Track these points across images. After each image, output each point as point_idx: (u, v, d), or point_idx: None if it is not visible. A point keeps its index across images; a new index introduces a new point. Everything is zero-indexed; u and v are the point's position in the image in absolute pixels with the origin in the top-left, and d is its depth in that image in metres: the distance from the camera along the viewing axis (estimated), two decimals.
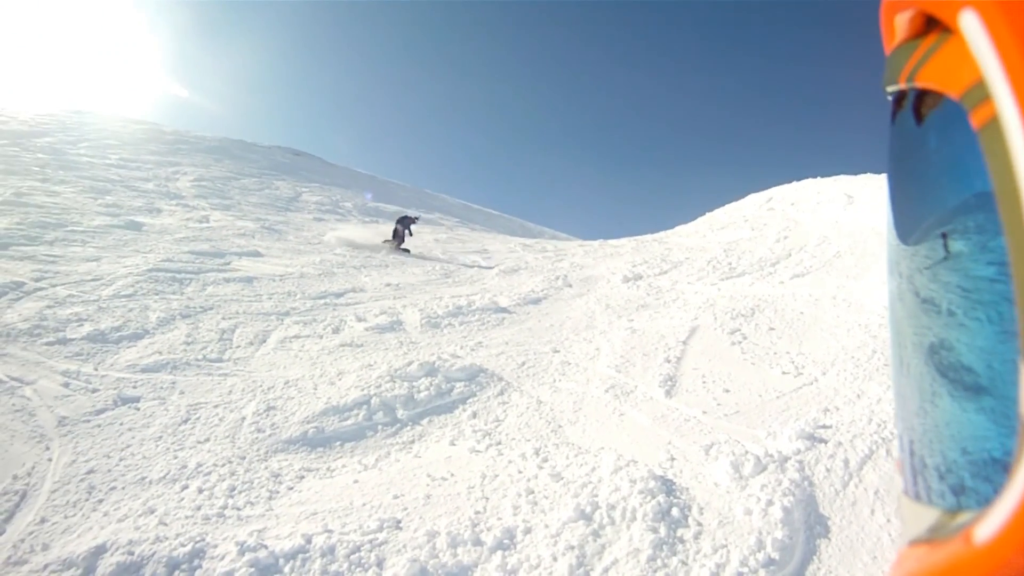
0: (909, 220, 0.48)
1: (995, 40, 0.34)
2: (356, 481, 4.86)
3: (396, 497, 4.60)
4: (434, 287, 11.66)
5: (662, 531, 4.08)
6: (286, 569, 3.74)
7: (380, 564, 3.84)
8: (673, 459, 5.13)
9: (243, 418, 5.66)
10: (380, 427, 5.76)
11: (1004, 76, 0.33)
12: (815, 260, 12.97)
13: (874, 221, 15.05)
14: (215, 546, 3.88)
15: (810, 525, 4.25)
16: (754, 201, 23.06)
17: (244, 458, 5.05)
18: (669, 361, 7.42)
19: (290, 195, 23.50)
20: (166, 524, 4.10)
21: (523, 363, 7.52)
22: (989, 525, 0.35)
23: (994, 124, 0.34)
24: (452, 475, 4.95)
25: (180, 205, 16.75)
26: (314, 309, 9.32)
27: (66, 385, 5.91)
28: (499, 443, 5.50)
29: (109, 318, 7.64)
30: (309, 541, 3.95)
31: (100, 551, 3.73)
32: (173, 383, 6.26)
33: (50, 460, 4.76)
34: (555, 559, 3.87)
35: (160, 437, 5.25)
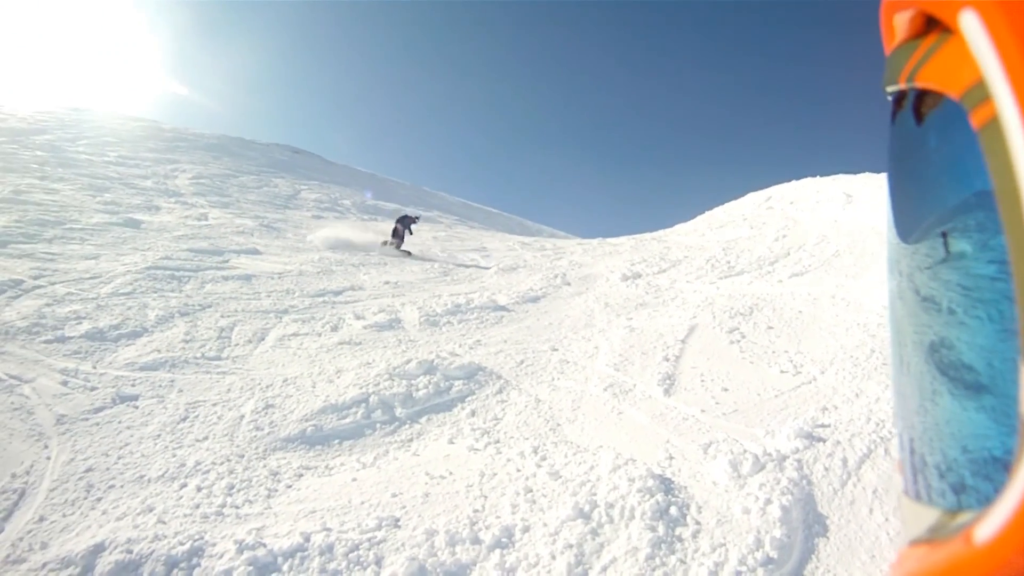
0: (909, 219, 0.48)
1: (995, 40, 0.34)
2: (355, 479, 4.86)
3: (394, 495, 4.60)
4: (433, 285, 11.66)
5: (660, 530, 4.08)
6: (285, 567, 3.74)
7: (379, 562, 3.84)
8: (671, 458, 5.13)
9: (242, 416, 5.66)
10: (379, 425, 5.76)
11: (1004, 76, 0.33)
12: (814, 259, 12.97)
13: (873, 220, 15.05)
14: (214, 544, 3.88)
15: (808, 524, 4.25)
16: (753, 200, 23.05)
17: (243, 456, 5.05)
18: (668, 360, 7.42)
19: (289, 193, 23.48)
20: (165, 522, 4.09)
21: (522, 361, 7.52)
22: (989, 525, 0.35)
23: (994, 124, 0.34)
24: (451, 473, 4.95)
25: (179, 203, 16.74)
26: (313, 307, 9.32)
27: (64, 383, 5.91)
28: (498, 441, 5.51)
29: (108, 316, 7.64)
30: (308, 539, 3.95)
31: (99, 549, 3.73)
32: (172, 381, 6.26)
33: (48, 458, 4.76)
34: (553, 557, 3.87)
35: (159, 435, 5.25)
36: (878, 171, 19.84)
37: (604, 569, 3.78)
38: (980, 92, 0.35)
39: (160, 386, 6.12)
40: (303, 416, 5.71)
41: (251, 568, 3.68)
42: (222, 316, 8.31)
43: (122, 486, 4.52)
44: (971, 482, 0.41)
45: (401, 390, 6.26)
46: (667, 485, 4.59)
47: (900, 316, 0.50)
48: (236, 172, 24.76)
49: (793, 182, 23.28)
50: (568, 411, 6.16)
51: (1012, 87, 0.33)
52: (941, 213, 0.43)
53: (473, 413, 6.12)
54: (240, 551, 3.80)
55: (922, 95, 0.44)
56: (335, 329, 8.42)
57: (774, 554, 3.89)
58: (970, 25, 0.36)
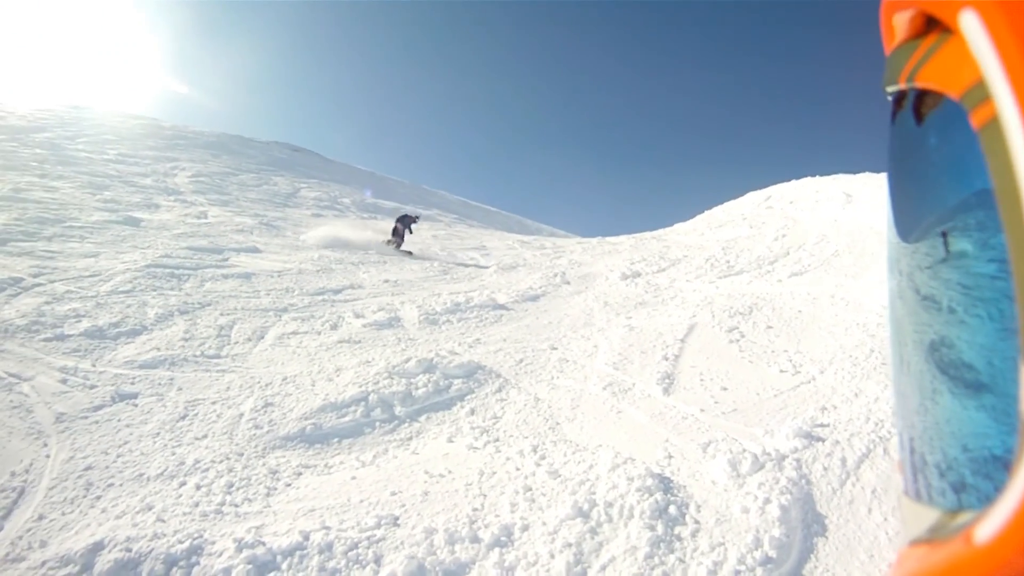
0: (910, 219, 0.48)
1: (995, 40, 0.34)
2: (354, 478, 4.87)
3: (394, 494, 4.60)
4: (432, 284, 11.66)
5: (659, 529, 4.08)
6: (284, 566, 3.74)
7: (378, 561, 3.84)
8: (671, 457, 5.13)
9: (241, 414, 5.66)
10: (378, 424, 5.76)
11: (1004, 76, 0.33)
12: (813, 259, 12.97)
13: (873, 220, 15.04)
14: (213, 543, 3.88)
15: (807, 523, 4.25)
16: (753, 199, 23.04)
17: (242, 455, 5.05)
18: (667, 359, 7.42)
19: (288, 191, 23.46)
20: (164, 521, 4.10)
21: (521, 360, 7.52)
22: (989, 525, 0.35)
23: (994, 124, 0.34)
24: (450, 472, 4.95)
25: (178, 201, 16.73)
26: (312, 305, 9.32)
27: (64, 381, 5.91)
28: (497, 440, 5.51)
29: (107, 314, 7.64)
30: (307, 538, 3.95)
31: (98, 548, 3.73)
32: (171, 379, 6.26)
33: (48, 456, 4.76)
34: (552, 556, 3.87)
35: (158, 433, 5.25)
36: (878, 171, 19.85)
37: (603, 568, 3.79)
38: (980, 92, 0.35)
39: (159, 384, 6.13)
40: (302, 414, 5.71)
41: (250, 566, 3.68)
42: (221, 314, 8.31)
43: (121, 484, 4.52)
44: (971, 481, 0.41)
45: (400, 388, 6.26)
46: (666, 484, 4.59)
47: (900, 315, 0.50)
48: (236, 170, 24.75)
49: (793, 182, 23.27)
50: (567, 410, 6.16)
51: (1012, 87, 0.33)
52: (941, 213, 0.43)
53: (472, 412, 6.12)
54: (239, 549, 3.80)
55: (922, 95, 0.44)
56: (334, 327, 8.42)
57: (773, 553, 3.89)
58: (970, 25, 0.36)
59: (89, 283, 8.67)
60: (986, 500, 0.38)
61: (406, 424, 5.82)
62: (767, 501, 4.33)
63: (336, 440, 5.46)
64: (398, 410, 6.00)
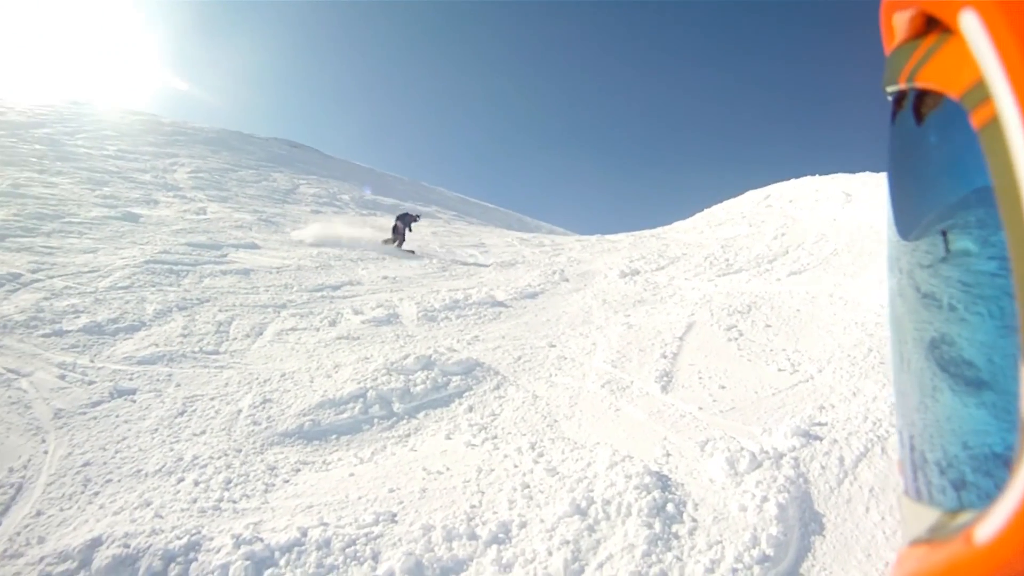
0: (910, 219, 0.48)
1: (995, 40, 0.34)
2: (352, 474, 4.87)
3: (392, 491, 4.61)
4: (431, 280, 11.66)
5: (657, 527, 4.09)
6: (282, 562, 3.75)
7: (375, 557, 3.85)
8: (668, 455, 5.14)
9: (239, 411, 5.66)
10: (376, 420, 5.77)
11: (1004, 76, 0.33)
12: (812, 258, 12.97)
13: (872, 219, 15.04)
14: (211, 539, 3.89)
15: (805, 522, 4.26)
16: (752, 198, 23.04)
17: (240, 451, 5.05)
18: (665, 357, 7.43)
19: (288, 187, 23.43)
20: (162, 517, 4.10)
21: (519, 357, 7.52)
22: (990, 525, 0.35)
23: (994, 124, 0.34)
24: (448, 469, 4.96)
25: (177, 197, 16.71)
26: (311, 302, 9.32)
27: (62, 377, 5.91)
28: (495, 437, 5.51)
29: (106, 310, 7.64)
30: (305, 534, 3.95)
31: (96, 544, 3.73)
32: (169, 375, 6.26)
33: (46, 453, 4.76)
34: (550, 553, 3.88)
35: (156, 429, 5.25)
36: (877, 170, 19.85)
37: (600, 566, 3.79)
38: (980, 92, 0.35)
39: (158, 380, 6.13)
40: (301, 411, 5.71)
41: (248, 563, 3.69)
42: (220, 310, 8.31)
43: (119, 480, 4.52)
44: (971, 479, 0.41)
45: (399, 385, 6.27)
46: (664, 482, 4.60)
47: (900, 313, 0.50)
48: (235, 166, 24.71)
49: (792, 180, 23.26)
50: (565, 407, 6.17)
51: (1012, 87, 0.33)
52: (941, 212, 0.43)
53: (471, 409, 6.13)
54: (237, 545, 3.80)
55: (922, 95, 0.44)
56: (333, 324, 8.42)
57: (770, 552, 3.90)
58: (970, 25, 0.36)
59: (88, 279, 8.67)
60: (986, 498, 0.38)
61: (404, 421, 5.83)
62: (765, 499, 4.34)
63: (334, 437, 5.46)
64: (396, 407, 6.00)
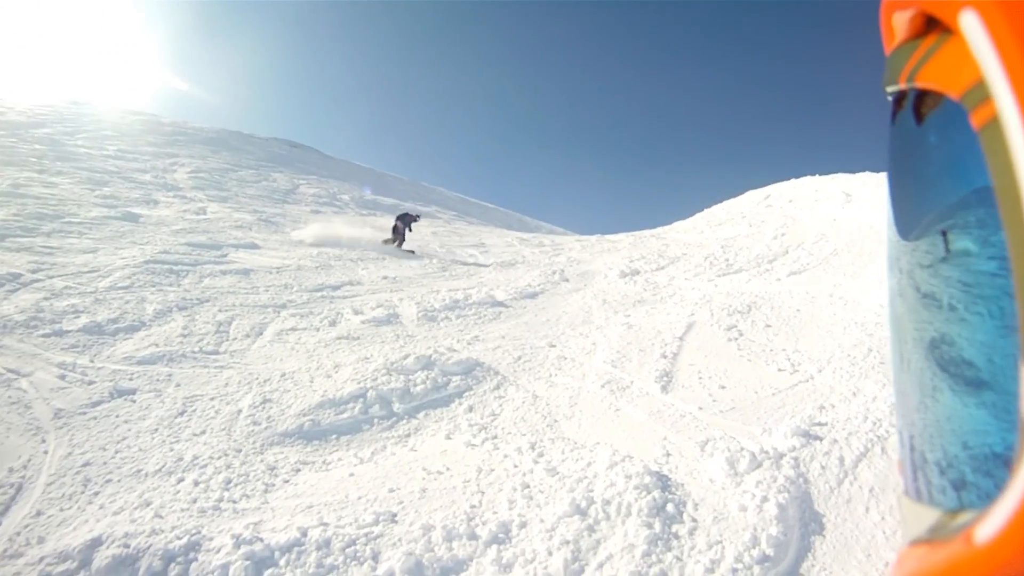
0: (910, 219, 0.48)
1: (995, 40, 0.34)
2: (352, 474, 4.87)
3: (392, 491, 4.61)
4: (431, 280, 11.66)
5: (657, 527, 4.09)
6: (281, 562, 3.75)
7: (375, 557, 3.85)
8: (668, 455, 5.14)
9: (239, 411, 5.66)
10: (376, 420, 5.77)
11: (1004, 76, 0.33)
12: (812, 257, 12.97)
13: (872, 219, 15.04)
14: (211, 539, 3.88)
15: (805, 522, 4.26)
16: (752, 198, 23.04)
17: (240, 451, 5.05)
18: (665, 357, 7.43)
19: (287, 187, 23.43)
20: (162, 517, 4.10)
21: (519, 357, 7.52)
22: (990, 525, 0.35)
23: (994, 124, 0.34)
24: (448, 469, 4.96)
25: (177, 197, 16.71)
26: (311, 302, 9.32)
27: (62, 377, 5.91)
28: (495, 437, 5.51)
29: (106, 310, 7.64)
30: (305, 534, 3.95)
31: (96, 544, 3.73)
32: (169, 375, 6.26)
33: (46, 453, 4.76)
34: (550, 553, 3.88)
35: (156, 429, 5.25)
36: (877, 170, 19.86)
37: (600, 566, 3.79)
38: (980, 92, 0.35)
39: (158, 380, 6.13)
40: (301, 411, 5.71)
41: (248, 563, 3.69)
42: (220, 310, 8.31)
43: (119, 480, 4.52)
44: (971, 478, 0.41)
45: (399, 385, 6.27)
46: (664, 482, 4.60)
47: (900, 313, 0.50)
48: (235, 166, 24.71)
49: (792, 180, 23.26)
50: (565, 407, 6.17)
51: (1012, 87, 0.33)
52: (941, 212, 0.43)
53: (471, 409, 6.13)
54: (237, 545, 3.80)
55: (922, 95, 0.44)
56: (333, 324, 8.42)
57: (770, 552, 3.90)
58: (970, 25, 0.36)
59: (88, 279, 8.67)
60: (986, 497, 0.38)
61: (404, 421, 5.83)
62: (765, 499, 4.34)
63: (334, 437, 5.46)
64: (396, 407, 6.00)
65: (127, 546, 3.73)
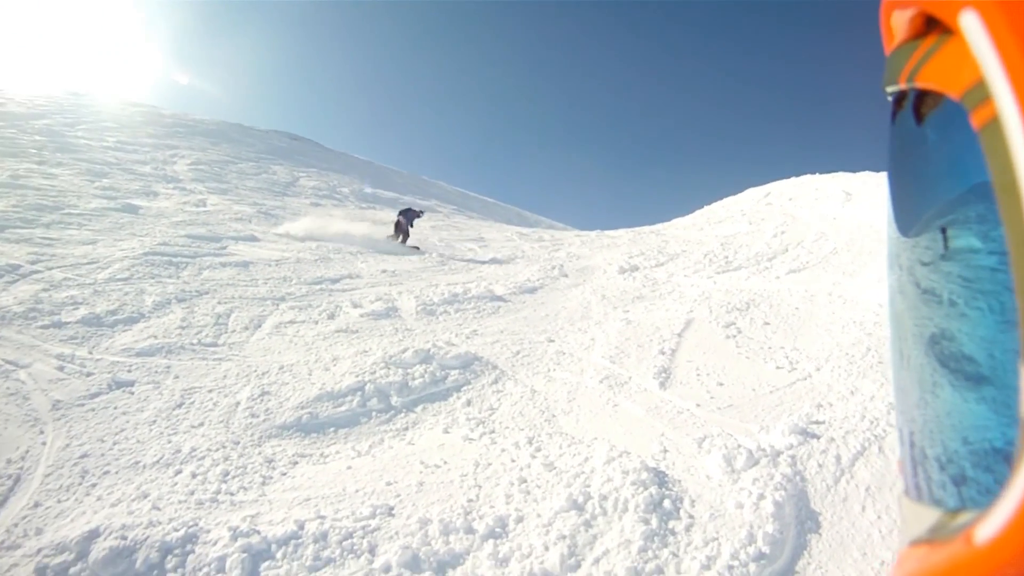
0: (910, 219, 0.48)
1: (996, 40, 0.34)
2: (349, 467, 4.87)
3: (389, 484, 4.61)
4: (430, 274, 11.67)
5: (653, 523, 4.10)
6: (278, 555, 3.75)
7: (372, 550, 3.85)
8: (666, 451, 5.14)
9: (237, 403, 5.66)
10: (374, 414, 5.77)
11: (1005, 76, 0.33)
12: (812, 256, 12.98)
13: (872, 218, 15.05)
14: (208, 531, 3.89)
15: (801, 520, 4.26)
16: (752, 196, 23.08)
17: (238, 443, 5.05)
18: (664, 353, 7.43)
19: (287, 180, 23.43)
20: (159, 509, 4.10)
21: (518, 352, 7.53)
22: (990, 526, 0.35)
23: (995, 124, 0.34)
24: (445, 463, 4.96)
25: (177, 188, 16.71)
26: (310, 295, 9.32)
27: (61, 369, 5.91)
28: (493, 431, 5.52)
29: (104, 301, 7.63)
30: (302, 527, 3.96)
31: (93, 535, 3.73)
32: (168, 367, 6.26)
33: (44, 444, 4.76)
34: (547, 548, 3.88)
35: (154, 421, 5.25)
36: (878, 170, 19.87)
37: (597, 561, 3.80)
38: (980, 92, 0.35)
39: (156, 372, 6.13)
40: (299, 404, 5.71)
41: (245, 555, 3.69)
42: (219, 303, 8.31)
43: (117, 472, 4.52)
44: (972, 474, 0.41)
45: (397, 379, 6.27)
46: (661, 478, 4.60)
47: (900, 310, 0.50)
48: (235, 158, 24.71)
49: (792, 179, 23.30)
50: (563, 402, 6.17)
51: (1012, 87, 0.33)
52: (942, 210, 0.43)
53: (469, 403, 6.13)
54: (234, 538, 3.81)
55: (922, 95, 0.44)
56: (332, 317, 8.42)
57: (766, 549, 3.90)
58: (970, 25, 0.36)
59: (87, 270, 8.66)
60: (987, 493, 0.38)
61: (402, 414, 5.83)
62: (761, 497, 4.35)
63: (332, 429, 5.46)
64: (394, 400, 6.00)
65: (124, 538, 3.73)
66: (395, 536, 3.98)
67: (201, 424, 5.28)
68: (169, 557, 3.67)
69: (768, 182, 24.21)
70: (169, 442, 4.96)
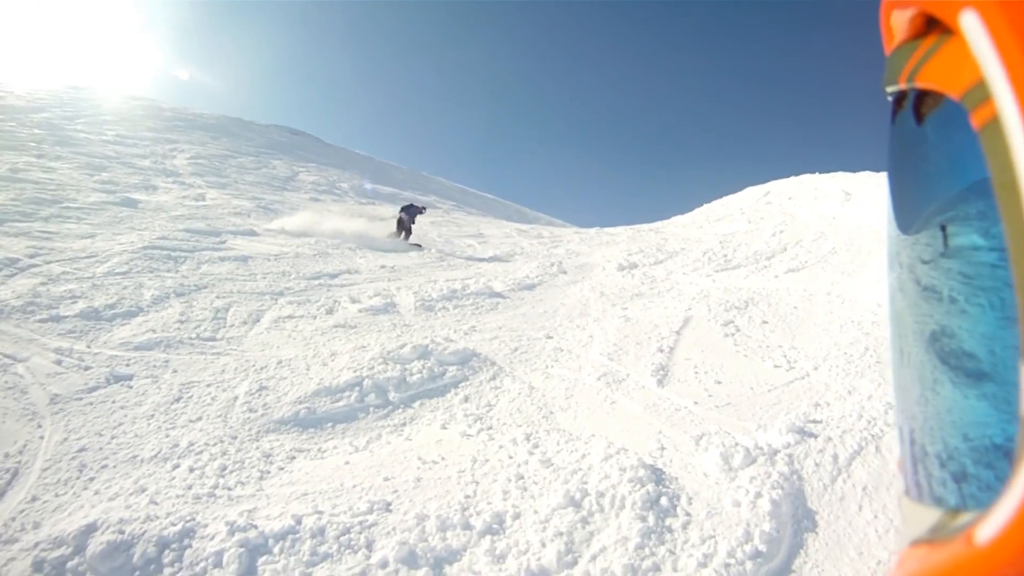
0: (910, 219, 0.48)
1: (996, 40, 0.34)
2: (347, 463, 4.88)
3: (386, 479, 4.61)
4: (429, 270, 11.66)
5: (650, 520, 4.10)
6: (276, 549, 3.75)
7: (369, 546, 3.85)
8: (663, 448, 5.15)
9: (235, 397, 5.66)
10: (372, 409, 5.77)
11: (1005, 76, 0.33)
12: (810, 255, 12.98)
13: (871, 218, 15.05)
14: (205, 526, 3.89)
15: (798, 519, 4.27)
16: (751, 195, 23.07)
17: (236, 438, 5.05)
18: (662, 351, 7.44)
19: (287, 175, 23.42)
20: (157, 503, 4.10)
21: (516, 348, 7.53)
22: (990, 526, 0.35)
23: (995, 124, 0.34)
24: (443, 459, 4.96)
25: (176, 183, 16.69)
26: (308, 289, 9.32)
27: (59, 363, 5.91)
28: (490, 428, 5.52)
29: (103, 295, 7.63)
30: (299, 522, 3.96)
31: (91, 529, 3.73)
32: (166, 361, 6.26)
33: (42, 438, 4.76)
34: (543, 545, 3.89)
35: (152, 415, 5.25)
36: (878, 170, 19.87)
37: (594, 558, 3.80)
38: (981, 92, 0.35)
39: (154, 366, 6.13)
40: (297, 398, 5.72)
41: (242, 550, 3.69)
42: (218, 297, 8.31)
43: (115, 466, 4.52)
44: (972, 470, 0.41)
45: (395, 374, 6.27)
46: (658, 475, 4.61)
47: (900, 308, 0.50)
48: (234, 153, 24.69)
49: (792, 178, 23.29)
50: (561, 399, 6.17)
51: (1013, 87, 0.33)
52: (942, 208, 0.43)
53: (466, 399, 6.13)
54: (232, 532, 3.81)
55: (922, 95, 0.44)
56: (330, 312, 8.42)
57: (763, 548, 3.91)
58: (970, 25, 0.36)
59: (85, 264, 8.66)
60: (987, 490, 0.38)
61: (400, 410, 5.83)
62: (758, 495, 4.35)
63: (330, 425, 5.46)
64: (392, 396, 6.01)
65: (122, 532, 3.73)
66: (392, 532, 3.98)
67: (199, 418, 5.28)
68: (167, 551, 3.67)
69: (768, 181, 24.22)
70: (167, 436, 4.96)
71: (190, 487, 4.34)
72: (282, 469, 4.72)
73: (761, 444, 5.06)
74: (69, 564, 3.54)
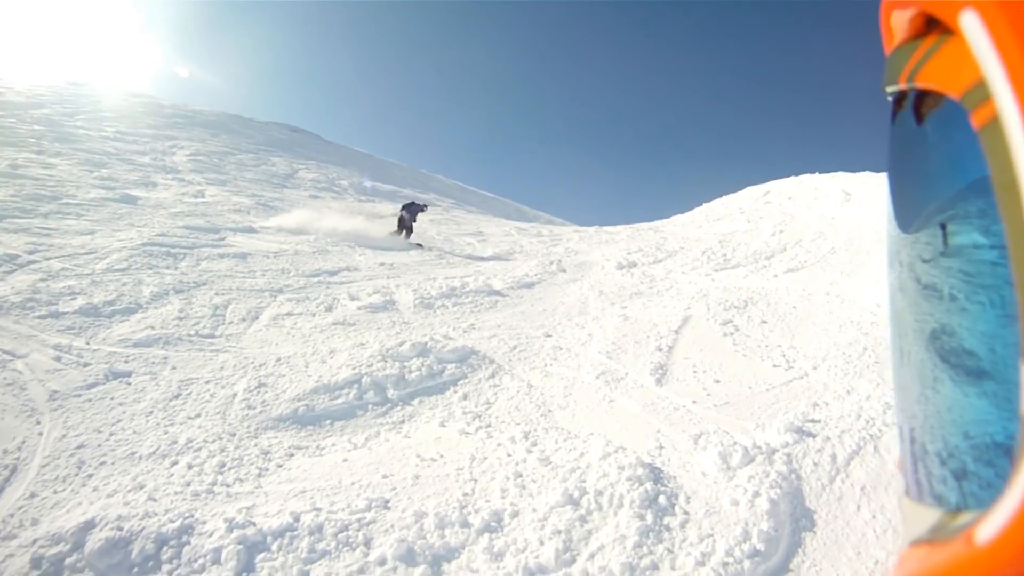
0: (910, 219, 0.48)
1: (996, 40, 0.34)
2: (345, 460, 4.88)
3: (385, 477, 4.62)
4: (428, 268, 11.66)
5: (649, 518, 4.10)
6: (274, 547, 3.75)
7: (368, 543, 3.86)
8: (662, 447, 5.15)
9: (234, 394, 5.66)
10: (370, 406, 5.77)
11: (1005, 76, 0.33)
12: (810, 255, 12.98)
13: (870, 218, 15.05)
14: (204, 522, 3.89)
15: (796, 518, 4.27)
16: (751, 194, 23.07)
17: (234, 435, 5.05)
18: (661, 350, 7.44)
19: (286, 172, 23.40)
20: (155, 500, 4.10)
21: (515, 346, 7.53)
22: (990, 526, 0.35)
23: (995, 124, 0.34)
24: (441, 456, 4.96)
25: (176, 179, 16.68)
26: (307, 287, 9.32)
27: (58, 359, 5.90)
28: (489, 426, 5.52)
29: (102, 292, 7.62)
30: (297, 519, 3.96)
31: (89, 526, 3.73)
32: (165, 358, 6.25)
33: (40, 434, 4.76)
34: (542, 543, 3.89)
35: (151, 412, 5.25)
36: (877, 170, 19.88)
37: (592, 556, 3.80)
38: (981, 92, 0.35)
39: (153, 363, 6.12)
40: (295, 396, 5.71)
41: (240, 547, 3.69)
42: (217, 294, 8.31)
43: (113, 463, 4.52)
44: (972, 468, 0.41)
45: (394, 372, 6.27)
46: (656, 474, 4.61)
47: (901, 307, 0.50)
48: (234, 150, 24.67)
49: (792, 178, 23.30)
50: (560, 397, 6.18)
51: (1013, 87, 0.33)
52: (942, 207, 0.43)
53: (465, 397, 6.13)
54: (230, 529, 3.81)
55: (922, 95, 0.44)
56: (329, 309, 8.42)
57: (761, 547, 3.91)
58: (970, 25, 0.36)
59: (85, 261, 8.65)
60: (987, 488, 0.38)
61: (399, 407, 5.83)
62: (756, 494, 4.35)
63: (328, 422, 5.46)
64: (391, 393, 6.00)
65: (120, 529, 3.73)
66: (390, 529, 3.98)
67: (198, 415, 5.28)
68: (165, 548, 3.67)
69: (768, 180, 24.22)
70: (166, 433, 4.96)
71: (188, 484, 4.34)
72: (280, 466, 4.72)
73: (759, 443, 5.06)
74: (67, 561, 3.54)
